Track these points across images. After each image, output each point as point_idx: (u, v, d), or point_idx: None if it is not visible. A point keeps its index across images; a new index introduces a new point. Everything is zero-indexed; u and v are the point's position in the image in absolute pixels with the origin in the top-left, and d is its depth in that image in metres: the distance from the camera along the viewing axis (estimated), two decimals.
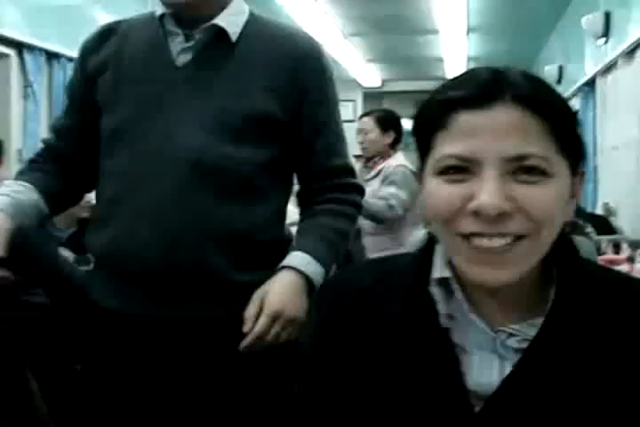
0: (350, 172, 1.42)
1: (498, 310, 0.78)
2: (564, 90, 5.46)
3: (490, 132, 0.70)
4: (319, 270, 1.31)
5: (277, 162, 1.33)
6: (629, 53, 3.62)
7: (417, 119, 0.79)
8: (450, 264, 0.79)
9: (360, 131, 3.50)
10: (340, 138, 1.40)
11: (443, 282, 0.80)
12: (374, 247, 3.38)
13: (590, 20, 4.01)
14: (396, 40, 6.46)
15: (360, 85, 8.83)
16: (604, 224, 3.47)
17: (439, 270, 0.80)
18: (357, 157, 3.69)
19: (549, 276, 0.78)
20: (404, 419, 0.77)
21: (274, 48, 1.31)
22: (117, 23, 1.39)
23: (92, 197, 3.15)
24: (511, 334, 0.77)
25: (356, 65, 7.55)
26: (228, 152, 1.26)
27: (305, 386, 0.90)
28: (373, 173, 3.39)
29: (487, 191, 0.69)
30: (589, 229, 3.02)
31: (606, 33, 3.95)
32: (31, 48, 3.33)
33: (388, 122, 3.45)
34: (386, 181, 3.29)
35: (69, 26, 3.62)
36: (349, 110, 9.01)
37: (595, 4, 4.18)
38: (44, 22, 3.41)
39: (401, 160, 3.40)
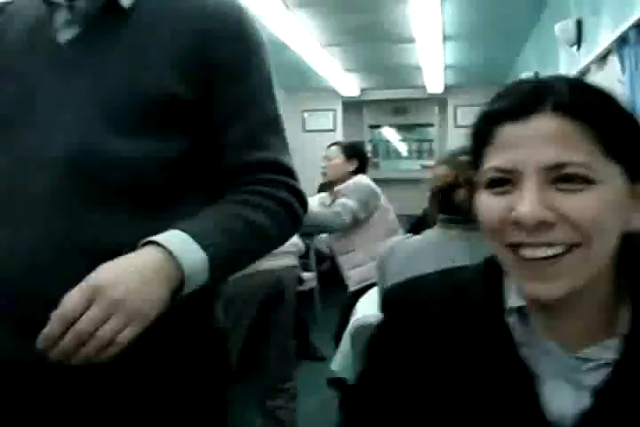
0: (283, 170, 1.10)
1: (569, 333, 0.77)
2: None
3: (528, 142, 0.72)
4: (199, 258, 0.93)
5: (190, 157, 1.05)
6: (601, 59, 3.66)
7: (470, 135, 0.81)
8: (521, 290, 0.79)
9: (326, 158, 3.70)
10: (269, 126, 1.11)
11: (517, 310, 0.79)
12: (349, 265, 3.46)
13: (563, 28, 4.05)
14: (374, 49, 6.50)
15: (339, 95, 8.87)
16: None
17: (514, 299, 0.80)
18: (323, 185, 3.89)
19: (622, 291, 0.77)
20: None
21: (179, 13, 1.04)
22: (6, 3, 1.16)
23: None
24: (585, 359, 0.75)
25: (334, 74, 7.58)
26: (121, 147, 0.99)
27: (359, 407, 0.88)
28: (333, 197, 3.55)
29: (525, 201, 0.70)
30: None
31: (578, 40, 4.00)
32: None
33: (353, 150, 3.66)
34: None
35: None
36: (329, 120, 9.05)
37: (567, 11, 4.23)
38: None
39: (360, 179, 3.58)
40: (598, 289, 0.75)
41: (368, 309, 2.20)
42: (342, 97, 8.96)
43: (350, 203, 3.28)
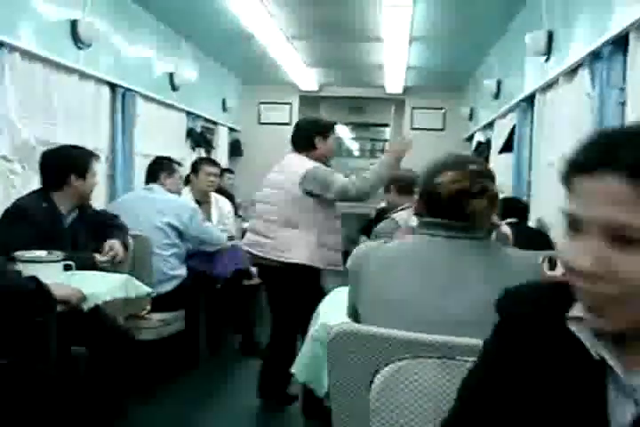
0: None
1: (635, 351, 0.79)
2: (502, 104, 5.55)
3: (593, 197, 0.74)
4: None
5: None
6: (571, 72, 3.69)
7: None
8: None
9: None
10: None
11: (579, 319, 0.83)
12: None
13: (533, 38, 4.07)
14: (339, 45, 6.45)
15: (297, 89, 8.79)
16: (542, 239, 3.52)
17: (578, 308, 0.83)
18: None
19: None
20: None
21: None
22: None
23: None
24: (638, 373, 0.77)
25: (295, 68, 7.50)
26: None
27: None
28: None
29: (576, 250, 0.76)
30: None
31: (548, 51, 4.03)
32: None
33: None
34: None
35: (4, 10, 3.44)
36: (286, 113, 8.96)
37: (537, 22, 4.25)
38: None
39: None
40: None
41: (335, 312, 2.14)
42: (300, 91, 8.88)
43: None
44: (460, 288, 1.64)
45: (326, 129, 3.56)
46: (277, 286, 3.51)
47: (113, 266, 3.18)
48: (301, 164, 3.43)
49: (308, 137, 3.51)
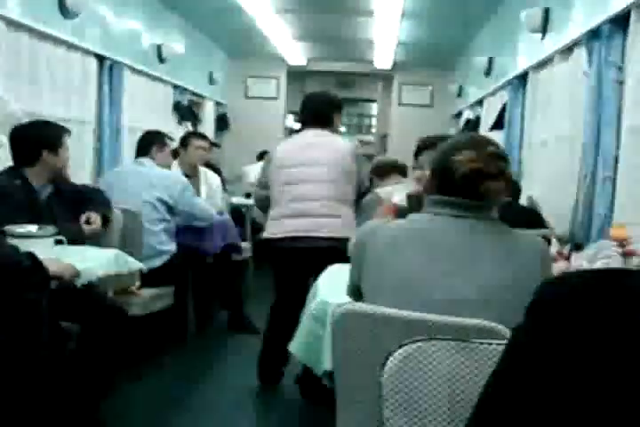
0: None
1: None
2: (493, 81, 5.51)
3: None
4: None
5: None
6: (567, 51, 3.66)
7: None
8: None
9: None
10: None
11: None
12: None
13: (529, 15, 4.03)
14: (329, 19, 6.36)
15: (285, 63, 8.69)
16: (535, 218, 3.51)
17: None
18: None
19: None
20: None
21: None
22: None
23: None
24: None
25: (283, 42, 7.40)
26: None
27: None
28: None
29: None
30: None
31: (544, 28, 3.99)
32: None
33: None
34: None
35: None
36: (273, 87, 8.87)
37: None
38: None
39: None
40: None
41: (333, 288, 2.13)
42: (288, 65, 8.78)
43: None
44: (467, 268, 1.62)
45: (341, 106, 3.61)
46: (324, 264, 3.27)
47: (93, 238, 3.15)
48: (339, 140, 3.49)
49: (328, 113, 3.48)
